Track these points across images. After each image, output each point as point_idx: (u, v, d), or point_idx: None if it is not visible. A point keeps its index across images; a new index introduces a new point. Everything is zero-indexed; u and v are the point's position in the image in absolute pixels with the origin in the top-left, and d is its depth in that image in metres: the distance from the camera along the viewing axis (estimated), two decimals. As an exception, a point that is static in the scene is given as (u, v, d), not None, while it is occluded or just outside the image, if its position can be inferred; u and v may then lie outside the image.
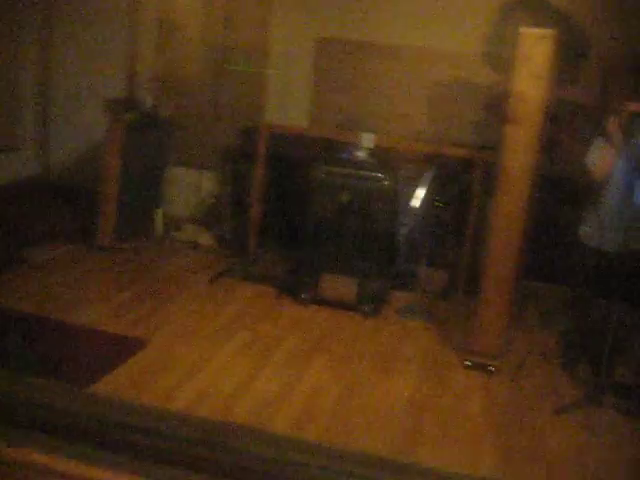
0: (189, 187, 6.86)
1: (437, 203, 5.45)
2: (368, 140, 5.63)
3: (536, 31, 4.23)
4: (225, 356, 4.54)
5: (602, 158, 4.63)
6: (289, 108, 6.47)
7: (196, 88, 6.65)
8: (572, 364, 4.88)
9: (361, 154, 5.58)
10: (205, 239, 6.66)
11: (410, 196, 5.20)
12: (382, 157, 5.61)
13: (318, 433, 3.78)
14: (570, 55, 5.70)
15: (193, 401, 3.95)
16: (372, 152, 5.59)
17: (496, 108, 5.87)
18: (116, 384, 4.01)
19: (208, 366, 4.37)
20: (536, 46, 4.22)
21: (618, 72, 5.75)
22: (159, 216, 6.71)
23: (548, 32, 4.21)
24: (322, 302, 5.50)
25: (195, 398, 3.98)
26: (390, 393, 4.33)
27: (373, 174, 5.43)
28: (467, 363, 4.76)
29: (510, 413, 4.25)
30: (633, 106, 4.59)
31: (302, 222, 5.64)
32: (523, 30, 4.25)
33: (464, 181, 5.62)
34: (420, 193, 5.17)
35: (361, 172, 5.45)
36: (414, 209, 5.18)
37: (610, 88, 5.73)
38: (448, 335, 5.24)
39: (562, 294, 5.59)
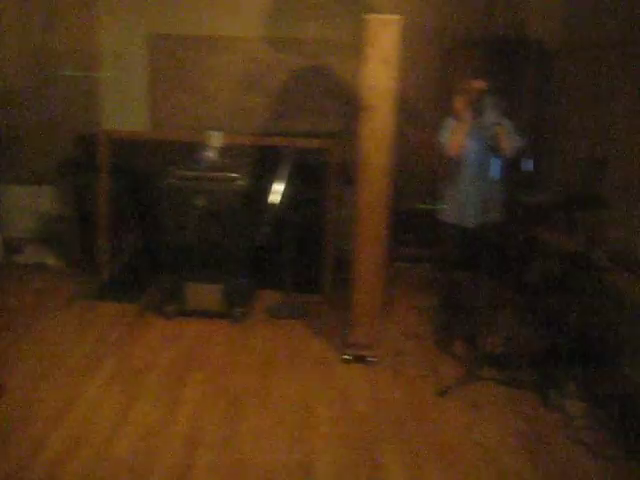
0: (27, 205, 6.33)
1: (297, 198, 5.34)
2: (217, 139, 5.40)
3: (382, 16, 4.17)
4: (93, 390, 4.19)
5: (453, 136, 4.68)
6: (128, 111, 6.11)
7: (23, 98, 6.12)
8: (446, 342, 4.95)
9: (212, 154, 5.35)
10: (52, 260, 6.18)
11: (269, 192, 5.05)
12: (235, 155, 5.41)
13: (209, 463, 3.57)
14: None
15: (66, 449, 3.60)
16: (223, 151, 5.37)
17: (347, 96, 5.84)
18: (-26, 441, 3.59)
19: (76, 405, 4.01)
20: (382, 31, 4.16)
21: (458, 52, 5.88)
22: (-4, 240, 6.16)
23: (394, 17, 4.16)
24: (189, 313, 5.25)
25: (68, 445, 3.63)
26: (276, 399, 4.18)
27: (226, 174, 5.21)
28: (346, 357, 4.70)
29: (396, 402, 4.23)
30: (477, 84, 4.67)
31: (159, 231, 5.34)
32: (369, 15, 4.17)
33: (321, 172, 5.53)
34: (278, 188, 5.02)
35: (214, 174, 5.22)
36: (273, 205, 5.02)
37: (452, 68, 5.84)
38: (324, 330, 5.16)
39: (427, 273, 5.68)
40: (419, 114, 5.74)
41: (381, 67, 4.25)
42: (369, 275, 4.60)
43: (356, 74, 4.46)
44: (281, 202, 5.01)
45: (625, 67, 4.72)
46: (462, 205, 4.82)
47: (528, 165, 4.57)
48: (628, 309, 4.28)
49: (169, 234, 5.21)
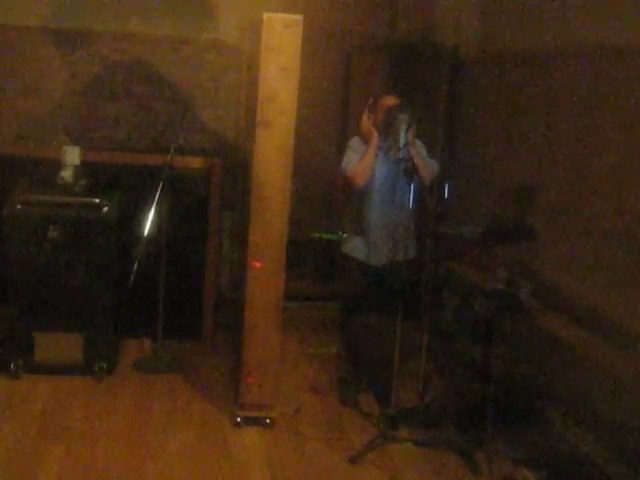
0: None
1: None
2: (72, 155, 4.49)
3: (283, 16, 3.50)
4: None
5: (360, 162, 4.07)
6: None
7: None
8: (352, 397, 4.31)
9: (67, 174, 4.44)
10: None
11: (140, 221, 4.22)
12: (96, 176, 4.53)
13: None
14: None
15: None
16: (81, 170, 4.47)
17: (234, 107, 5.10)
18: None
19: None
20: (284, 34, 3.50)
21: (361, 58, 5.29)
22: None
23: (296, 17, 3.51)
24: (41, 370, 4.29)
25: None
26: (152, 476, 3.37)
27: (85, 200, 4.33)
28: (238, 420, 3.95)
29: (301, 474, 3.54)
30: (388, 101, 4.10)
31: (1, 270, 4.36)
32: (268, 15, 3.50)
33: (202, 197, 4.75)
34: (150, 217, 4.20)
35: (70, 198, 4.32)
36: (143, 237, 4.19)
37: (354, 77, 5.24)
38: (207, 386, 4.38)
39: (325, 313, 5.01)
40: (318, 131, 5.10)
41: (281, 75, 3.59)
42: (263, 321, 3.88)
43: (249, 83, 3.76)
44: (153, 233, 4.20)
45: (543, 81, 4.31)
46: (371, 241, 4.20)
47: (446, 192, 4.05)
48: (559, 355, 3.83)
49: (14, 273, 4.24)
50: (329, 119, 5.24)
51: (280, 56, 3.54)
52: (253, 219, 3.78)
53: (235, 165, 4.84)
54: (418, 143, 4.12)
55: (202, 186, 4.68)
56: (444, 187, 4.13)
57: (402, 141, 3.93)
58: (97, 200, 4.32)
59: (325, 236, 4.69)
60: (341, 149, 4.25)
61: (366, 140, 4.11)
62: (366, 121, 4.14)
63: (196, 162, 4.72)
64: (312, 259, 5.13)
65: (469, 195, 4.77)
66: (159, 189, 4.24)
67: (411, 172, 3.89)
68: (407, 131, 3.94)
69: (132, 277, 4.04)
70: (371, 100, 4.18)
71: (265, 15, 3.51)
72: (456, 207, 4.64)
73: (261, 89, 3.63)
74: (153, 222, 4.19)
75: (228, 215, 4.59)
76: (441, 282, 4.44)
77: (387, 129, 4.03)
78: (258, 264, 3.86)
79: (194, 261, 4.82)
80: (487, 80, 5.00)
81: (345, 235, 4.27)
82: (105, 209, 4.30)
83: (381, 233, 4.18)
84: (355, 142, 4.17)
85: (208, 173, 4.69)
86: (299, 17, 3.52)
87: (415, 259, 4.25)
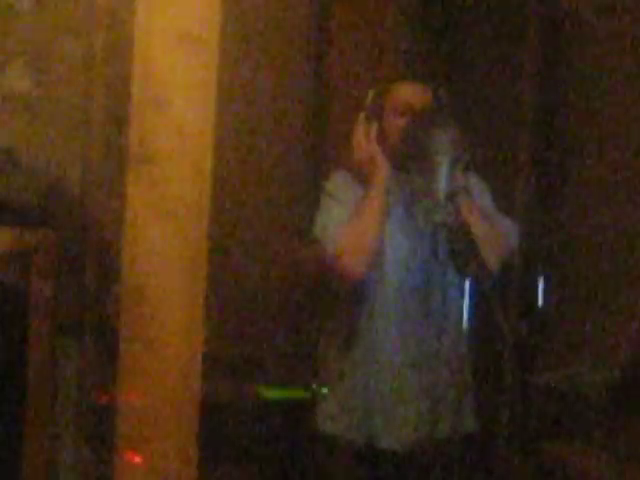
0: None
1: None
2: None
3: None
4: None
5: (352, 220, 1.89)
6: None
7: None
8: None
9: None
10: None
11: None
12: None
13: None
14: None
15: None
16: None
17: (87, 127, 2.71)
18: None
19: None
20: None
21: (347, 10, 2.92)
22: None
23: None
24: None
25: None
26: None
27: None
28: None
29: None
30: (405, 92, 1.89)
31: None
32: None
33: (17, 305, 2.37)
34: None
35: None
36: None
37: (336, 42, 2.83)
38: None
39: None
40: (264, 166, 2.74)
41: (181, 53, 1.42)
42: None
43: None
44: None
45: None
46: (378, 400, 1.96)
47: (540, 292, 1.85)
48: None
49: None
50: (285, 140, 2.83)
51: (176, 13, 1.41)
52: (124, 358, 1.53)
53: (84, 241, 2.44)
54: (477, 187, 1.96)
55: (12, 285, 2.30)
56: (536, 281, 1.91)
57: (442, 187, 1.80)
58: None
59: (281, 394, 2.32)
60: (312, 199, 2.06)
61: (363, 178, 1.92)
62: (362, 139, 1.92)
63: (5, 237, 2.34)
64: (256, 444, 2.66)
65: (593, 301, 2.33)
66: None
67: (464, 251, 1.82)
68: (454, 165, 1.81)
69: None
70: (372, 95, 1.98)
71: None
72: (564, 327, 2.26)
73: (137, 85, 1.43)
74: None
75: (70, 346, 2.26)
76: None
77: (410, 156, 1.87)
78: (137, 458, 1.66)
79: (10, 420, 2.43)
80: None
81: (324, 390, 2.01)
82: None
83: (400, 381, 1.95)
84: (340, 183, 2.00)
85: (25, 257, 2.31)
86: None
87: (475, 435, 2.01)
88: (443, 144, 1.82)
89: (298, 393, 2.16)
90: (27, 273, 2.30)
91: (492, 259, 1.89)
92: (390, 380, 1.95)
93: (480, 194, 2.01)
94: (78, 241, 2.61)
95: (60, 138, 2.49)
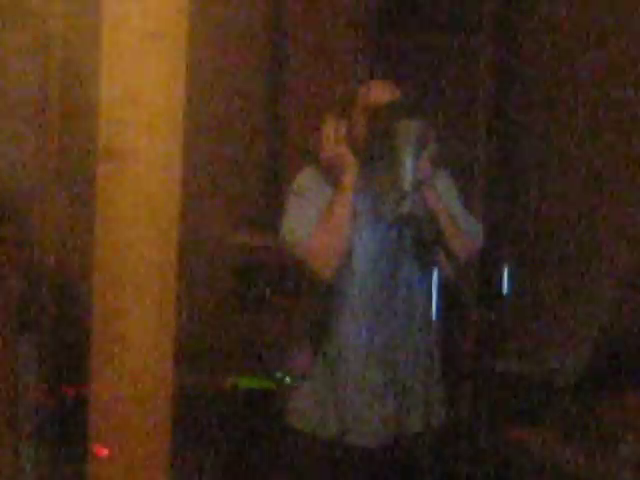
0: None
1: None
2: None
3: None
4: None
5: (321, 221, 1.89)
6: None
7: None
8: None
9: None
10: None
11: None
12: None
13: None
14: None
15: None
16: None
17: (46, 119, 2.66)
18: None
19: None
20: None
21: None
22: None
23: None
24: None
25: None
26: None
27: None
28: None
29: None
30: (373, 90, 1.90)
31: None
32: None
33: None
34: None
35: None
36: None
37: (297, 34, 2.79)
38: None
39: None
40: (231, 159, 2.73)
41: (148, 48, 1.39)
42: None
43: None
44: None
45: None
46: (347, 393, 1.96)
47: (505, 284, 1.88)
48: None
49: None
50: (252, 135, 2.82)
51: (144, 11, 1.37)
52: (97, 353, 1.51)
53: (43, 240, 2.40)
54: (444, 180, 1.98)
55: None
56: (501, 274, 1.94)
57: (408, 178, 1.81)
58: None
59: (247, 383, 2.31)
60: (276, 198, 2.05)
61: (331, 176, 1.92)
62: (330, 137, 1.92)
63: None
64: (224, 439, 2.63)
65: (556, 288, 2.38)
66: None
67: (429, 243, 1.86)
68: (418, 155, 1.83)
69: None
70: (340, 92, 2.00)
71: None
72: (528, 316, 2.30)
73: (106, 81, 1.40)
74: None
75: (28, 342, 2.21)
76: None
77: (377, 152, 1.88)
78: (105, 450, 1.62)
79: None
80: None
81: (290, 381, 2.01)
82: None
83: (370, 376, 1.96)
84: (307, 181, 2.00)
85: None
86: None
87: (444, 429, 2.02)
88: (406, 135, 1.84)
89: (267, 383, 2.15)
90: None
91: (458, 249, 1.92)
92: (358, 371, 1.96)
93: (447, 190, 2.03)
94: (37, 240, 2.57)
95: (26, 140, 2.46)
